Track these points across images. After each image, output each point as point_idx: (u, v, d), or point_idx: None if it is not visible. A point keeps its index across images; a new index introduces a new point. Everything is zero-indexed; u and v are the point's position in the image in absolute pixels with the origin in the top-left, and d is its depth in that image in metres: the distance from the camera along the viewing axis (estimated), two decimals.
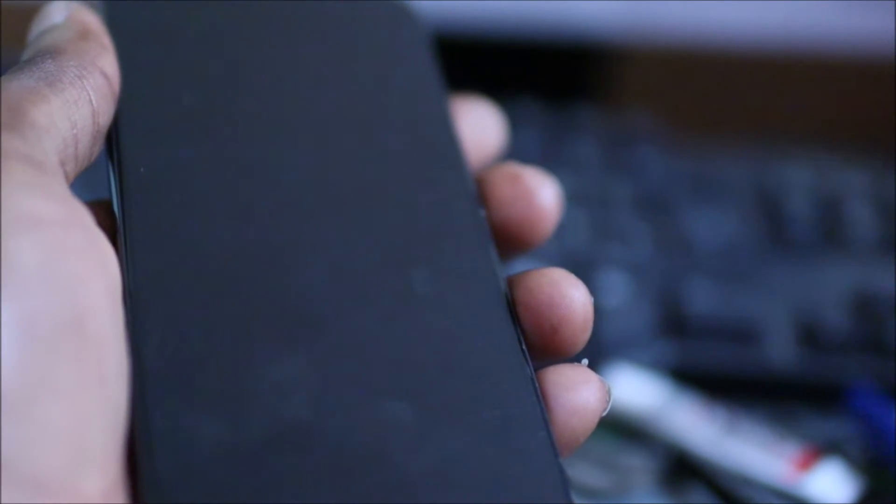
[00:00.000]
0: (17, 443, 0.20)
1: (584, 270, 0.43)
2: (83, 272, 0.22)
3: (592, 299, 0.26)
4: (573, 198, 0.46)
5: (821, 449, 0.38)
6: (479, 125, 0.30)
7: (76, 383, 0.21)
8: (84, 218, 0.23)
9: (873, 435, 0.39)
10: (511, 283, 0.26)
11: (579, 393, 0.25)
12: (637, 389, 0.40)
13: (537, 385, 0.25)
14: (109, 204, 0.26)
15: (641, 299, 0.43)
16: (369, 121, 0.29)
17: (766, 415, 0.40)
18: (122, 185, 0.26)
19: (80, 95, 0.25)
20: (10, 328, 0.20)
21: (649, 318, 0.42)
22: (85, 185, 0.26)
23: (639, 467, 0.38)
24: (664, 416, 0.39)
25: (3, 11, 0.50)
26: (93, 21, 0.27)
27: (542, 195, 0.28)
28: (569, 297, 0.26)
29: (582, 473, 0.37)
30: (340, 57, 0.30)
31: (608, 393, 0.25)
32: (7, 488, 0.20)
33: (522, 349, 0.25)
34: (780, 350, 0.42)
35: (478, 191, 0.28)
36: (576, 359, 0.26)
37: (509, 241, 0.28)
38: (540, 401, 0.24)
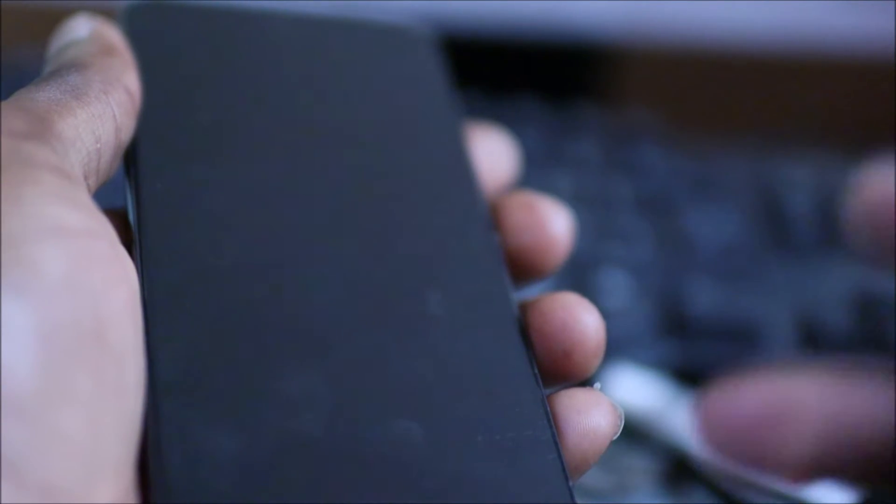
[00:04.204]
0: (33, 448, 0.20)
1: (585, 270, 0.43)
2: (107, 283, 0.22)
3: (604, 323, 0.27)
4: (574, 197, 0.46)
5: None
6: (492, 153, 0.31)
7: (94, 393, 0.21)
8: (109, 230, 0.23)
9: None
10: (524, 307, 0.27)
11: (591, 416, 0.25)
12: (638, 390, 0.40)
13: (549, 408, 0.25)
14: (123, 213, 0.26)
15: (643, 299, 0.43)
16: (386, 144, 0.29)
17: None
18: (139, 199, 0.26)
19: (104, 110, 0.25)
20: (33, 335, 0.20)
21: (650, 318, 0.42)
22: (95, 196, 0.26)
23: (640, 468, 0.38)
24: (665, 416, 0.39)
25: (2, 11, 0.50)
26: (116, 37, 0.27)
27: (555, 224, 0.29)
28: (582, 322, 0.26)
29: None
30: (358, 81, 0.30)
31: (620, 417, 0.25)
32: (20, 493, 0.20)
33: (534, 372, 0.25)
34: (780, 350, 0.42)
35: (492, 217, 0.28)
36: (587, 382, 0.26)
37: (521, 267, 0.29)
38: (551, 424, 0.25)
